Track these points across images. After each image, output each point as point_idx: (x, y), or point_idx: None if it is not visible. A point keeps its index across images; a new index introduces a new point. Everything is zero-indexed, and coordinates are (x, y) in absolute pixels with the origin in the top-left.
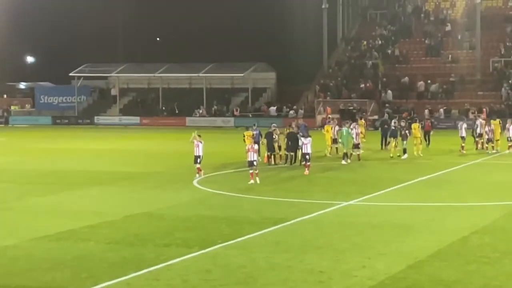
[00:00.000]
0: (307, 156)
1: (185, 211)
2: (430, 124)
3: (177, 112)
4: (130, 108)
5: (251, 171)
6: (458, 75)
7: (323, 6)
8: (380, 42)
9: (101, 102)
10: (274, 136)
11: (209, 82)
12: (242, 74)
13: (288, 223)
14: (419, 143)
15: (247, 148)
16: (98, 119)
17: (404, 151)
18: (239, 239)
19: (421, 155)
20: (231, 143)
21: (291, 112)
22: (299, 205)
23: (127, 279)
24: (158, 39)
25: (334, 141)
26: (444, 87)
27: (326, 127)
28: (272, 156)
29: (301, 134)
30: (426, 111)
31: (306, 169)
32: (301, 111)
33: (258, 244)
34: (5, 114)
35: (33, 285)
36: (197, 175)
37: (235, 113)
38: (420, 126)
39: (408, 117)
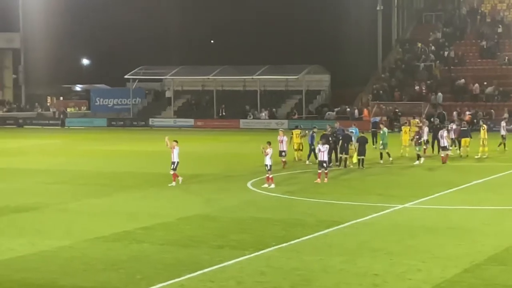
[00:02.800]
0: (324, 164)
1: (239, 213)
2: (459, 129)
3: (223, 114)
4: (184, 110)
5: (271, 176)
6: None
7: (378, 8)
8: (435, 44)
9: (156, 104)
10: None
11: (263, 84)
12: (296, 76)
13: (342, 225)
14: (481, 144)
15: (265, 152)
16: (152, 121)
17: (418, 157)
18: (293, 242)
19: (483, 156)
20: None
21: (329, 113)
22: (353, 208)
23: (182, 280)
24: (212, 41)
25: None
26: (501, 89)
27: (404, 128)
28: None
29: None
30: (455, 113)
31: (319, 178)
32: (332, 113)
33: (312, 247)
34: (61, 116)
35: (88, 285)
36: (173, 182)
37: (294, 116)
38: (485, 129)
39: (469, 121)
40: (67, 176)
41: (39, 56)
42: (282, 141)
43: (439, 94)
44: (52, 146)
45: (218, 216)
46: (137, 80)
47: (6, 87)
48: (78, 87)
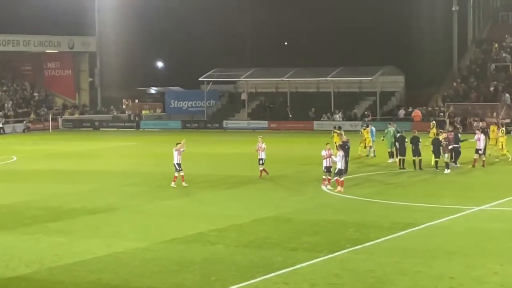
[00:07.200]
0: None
1: (312, 215)
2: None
3: (290, 116)
4: (258, 112)
5: (332, 178)
6: None
7: (453, 9)
8: (511, 44)
9: (230, 106)
10: (406, 140)
11: (337, 86)
12: (370, 78)
13: (417, 228)
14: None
15: (323, 154)
16: (226, 123)
17: (447, 166)
18: (367, 244)
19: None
20: (359, 148)
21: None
22: (429, 210)
23: (256, 282)
24: (285, 43)
25: None
26: None
27: (492, 127)
28: (402, 160)
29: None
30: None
31: (339, 186)
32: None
33: (386, 249)
34: (137, 118)
35: (163, 286)
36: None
37: (368, 118)
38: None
39: None
40: (142, 178)
41: (115, 59)
42: (260, 148)
43: (507, 95)
44: (128, 149)
45: (291, 218)
46: (211, 83)
47: (83, 89)
48: (152, 90)
